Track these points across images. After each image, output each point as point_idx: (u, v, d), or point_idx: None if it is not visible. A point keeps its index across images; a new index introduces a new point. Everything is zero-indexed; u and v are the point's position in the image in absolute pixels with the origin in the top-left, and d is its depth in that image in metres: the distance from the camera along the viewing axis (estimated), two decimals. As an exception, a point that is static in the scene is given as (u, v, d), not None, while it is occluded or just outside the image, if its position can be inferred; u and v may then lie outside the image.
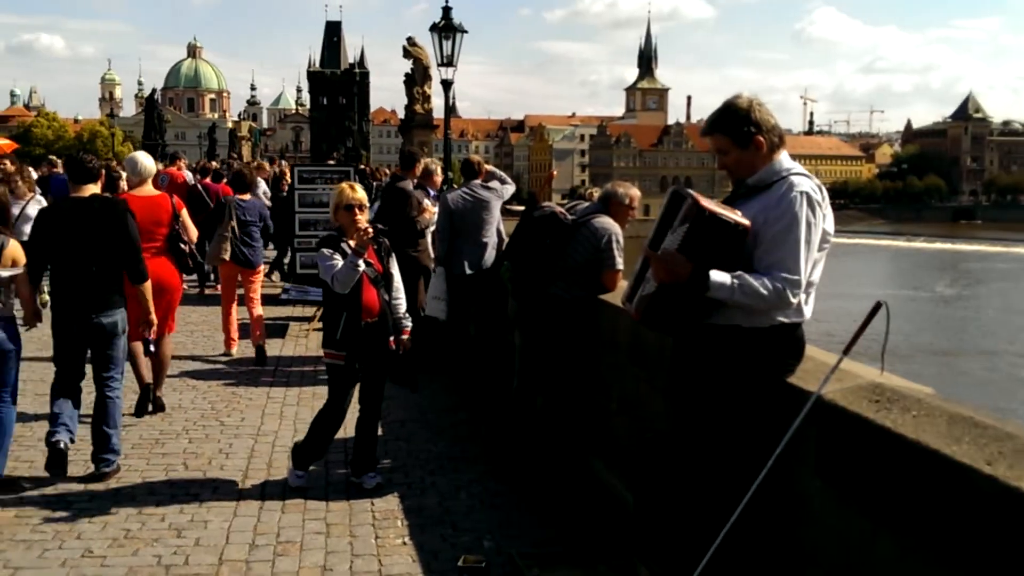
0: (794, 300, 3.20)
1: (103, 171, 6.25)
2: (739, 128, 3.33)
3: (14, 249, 5.45)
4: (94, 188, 5.86)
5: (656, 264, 3.23)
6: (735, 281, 3.14)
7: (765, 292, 3.14)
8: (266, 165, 17.82)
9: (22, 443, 6.05)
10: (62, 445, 5.33)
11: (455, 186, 8.81)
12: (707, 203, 3.15)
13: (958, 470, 2.43)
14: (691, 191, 3.26)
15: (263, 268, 9.94)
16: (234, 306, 9.33)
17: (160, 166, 15.57)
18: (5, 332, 5.35)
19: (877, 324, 3.09)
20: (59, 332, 5.63)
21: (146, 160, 7.25)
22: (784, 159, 3.37)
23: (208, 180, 14.47)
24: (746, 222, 3.17)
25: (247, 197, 9.64)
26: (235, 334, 9.30)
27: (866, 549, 2.85)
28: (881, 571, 2.79)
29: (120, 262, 5.70)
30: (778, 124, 3.41)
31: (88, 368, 5.76)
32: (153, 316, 6.08)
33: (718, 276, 3.13)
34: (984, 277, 73.98)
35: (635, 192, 5.86)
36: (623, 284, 5.33)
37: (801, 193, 3.20)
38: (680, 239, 3.15)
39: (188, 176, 16.35)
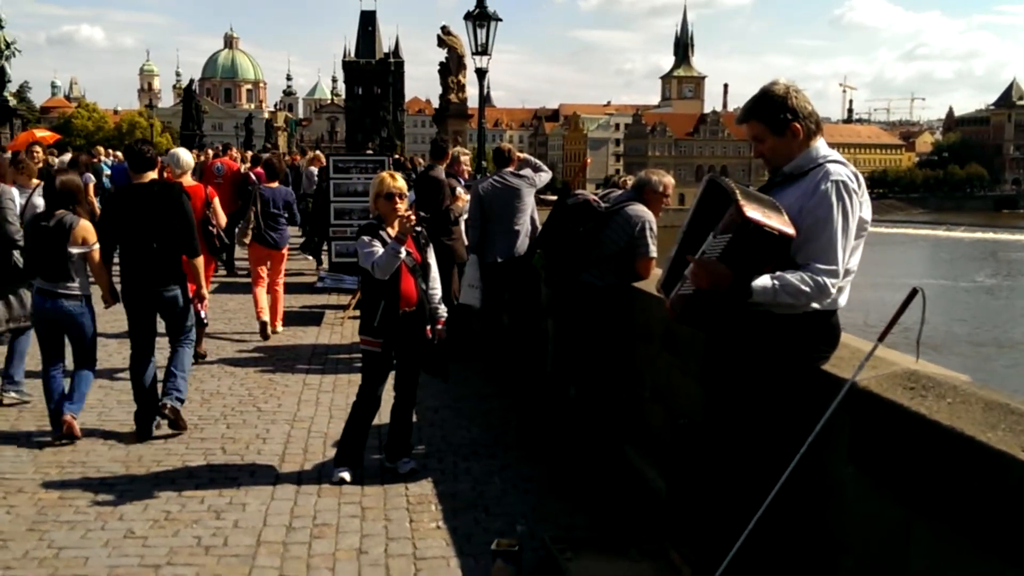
0: (834, 290, 3.18)
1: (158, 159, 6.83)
2: (775, 115, 3.31)
3: (84, 228, 6.01)
4: (152, 174, 6.44)
5: (696, 270, 3.17)
6: (776, 283, 3.10)
7: (807, 289, 3.12)
8: (322, 157, 18.09)
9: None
10: (169, 409, 6.09)
11: (488, 174, 8.81)
12: (751, 212, 3.02)
13: (994, 457, 2.42)
14: (734, 189, 3.12)
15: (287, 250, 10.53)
16: (262, 289, 9.70)
17: (196, 154, 15.90)
18: (81, 308, 6.04)
19: (913, 312, 3.06)
20: (130, 304, 6.19)
21: (186, 155, 8.25)
22: (821, 146, 3.34)
23: (259, 169, 14.81)
24: (791, 231, 3.07)
25: (274, 185, 10.30)
26: (266, 316, 9.53)
27: (900, 537, 2.85)
28: (916, 559, 2.79)
29: (176, 241, 6.21)
30: (815, 111, 3.38)
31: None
32: (205, 291, 6.78)
33: (759, 281, 3.09)
34: (1027, 267, 72.71)
35: (669, 180, 5.85)
36: (656, 272, 5.33)
37: (837, 182, 3.18)
38: (722, 248, 3.09)
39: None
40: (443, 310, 5.65)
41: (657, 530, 4.36)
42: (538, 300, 6.38)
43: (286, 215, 10.06)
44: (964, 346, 38.74)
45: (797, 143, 3.32)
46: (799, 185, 3.27)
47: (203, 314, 8.07)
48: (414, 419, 5.82)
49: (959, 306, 49.98)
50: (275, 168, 10.74)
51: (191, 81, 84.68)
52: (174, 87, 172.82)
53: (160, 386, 6.30)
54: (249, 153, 23.17)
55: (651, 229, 5.57)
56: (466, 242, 8.40)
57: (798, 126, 3.29)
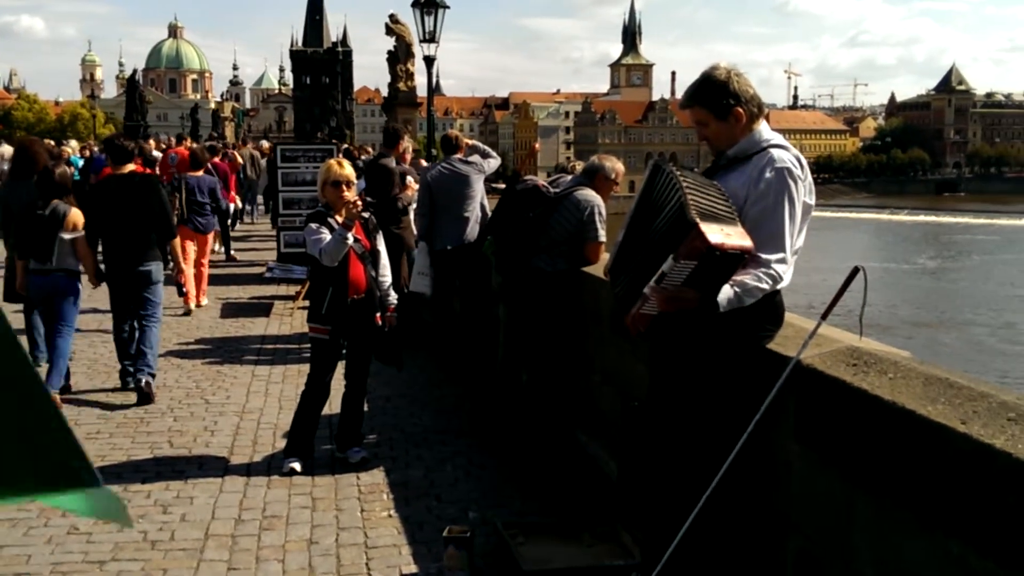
0: (785, 275, 3.21)
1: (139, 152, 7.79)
2: (718, 100, 3.30)
3: (76, 215, 6.70)
4: (132, 166, 7.27)
5: (663, 298, 3.11)
6: (737, 290, 3.10)
7: (765, 285, 3.14)
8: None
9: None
10: (144, 383, 6.65)
11: (436, 162, 8.75)
12: (714, 238, 2.94)
13: (934, 429, 2.46)
14: (688, 203, 3.00)
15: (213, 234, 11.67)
16: (190, 267, 10.40)
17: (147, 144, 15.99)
18: (69, 282, 6.69)
19: (857, 293, 3.10)
20: (113, 281, 6.94)
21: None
22: (764, 129, 3.35)
23: (216, 159, 15.70)
24: (750, 244, 3.04)
25: (199, 173, 11.15)
26: (192, 289, 10.38)
27: (846, 512, 2.89)
28: (860, 533, 2.83)
29: (153, 224, 6.93)
30: (757, 94, 3.37)
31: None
32: (183, 265, 7.82)
33: (722, 295, 3.09)
34: (967, 249, 74.52)
35: (620, 167, 5.89)
36: (605, 256, 5.35)
37: (782, 169, 3.18)
38: (687, 274, 3.05)
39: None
40: (393, 297, 5.62)
41: (609, 513, 4.38)
42: (489, 287, 6.37)
43: (211, 202, 10.89)
44: (906, 326, 39.58)
45: (740, 127, 3.32)
46: (743, 170, 3.28)
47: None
48: (365, 408, 5.77)
49: (901, 288, 50.99)
50: (199, 157, 11.62)
51: (134, 71, 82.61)
52: (117, 78, 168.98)
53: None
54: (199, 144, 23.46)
55: (600, 214, 5.58)
56: (415, 231, 8.35)
57: (741, 111, 3.29)
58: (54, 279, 6.63)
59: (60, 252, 6.58)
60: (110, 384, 7.17)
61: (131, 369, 6.85)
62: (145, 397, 6.62)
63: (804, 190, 3.25)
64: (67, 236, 6.60)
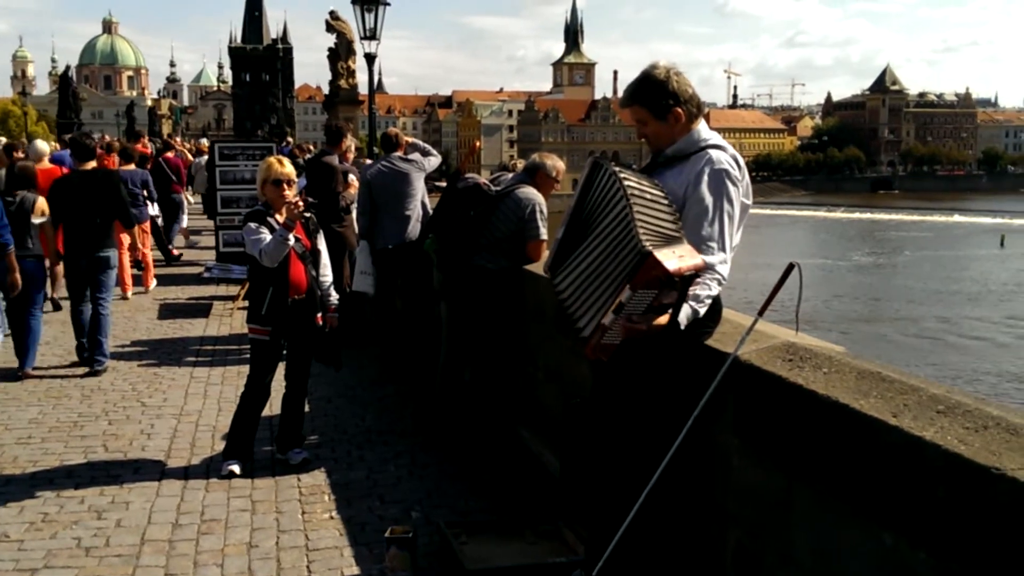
0: (727, 273, 3.23)
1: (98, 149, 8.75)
2: (657, 100, 3.30)
3: (42, 203, 7.43)
4: (93, 163, 8.14)
5: (627, 329, 3.05)
6: (692, 303, 3.11)
7: (714, 291, 3.17)
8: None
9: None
10: (104, 369, 7.46)
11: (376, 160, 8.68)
12: (671, 264, 2.89)
13: (866, 423, 2.51)
14: (640, 235, 2.93)
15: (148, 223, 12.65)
16: (126, 256, 10.97)
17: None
18: (35, 265, 7.33)
19: (793, 289, 3.14)
20: (71, 267, 7.64)
21: (42, 144, 10.98)
22: (702, 129, 3.37)
23: (170, 155, 16.29)
24: (700, 261, 3.03)
25: (130, 167, 12.09)
26: (128, 279, 11.05)
27: (784, 505, 2.93)
28: (798, 525, 2.87)
29: (114, 215, 7.72)
30: (696, 93, 3.38)
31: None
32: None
33: (682, 314, 3.09)
34: (900, 245, 76.37)
35: (561, 165, 5.91)
36: (547, 254, 5.35)
37: (720, 171, 3.21)
38: (649, 302, 3.01)
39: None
40: (334, 297, 5.56)
41: (551, 510, 4.39)
42: (431, 285, 6.34)
43: (144, 193, 11.99)
44: (841, 321, 40.44)
45: (679, 127, 3.33)
46: (682, 169, 3.29)
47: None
48: (307, 409, 5.71)
49: (837, 284, 52.10)
50: (130, 152, 12.71)
51: (67, 68, 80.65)
52: (50, 74, 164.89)
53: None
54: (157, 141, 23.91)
55: (541, 211, 5.59)
56: (357, 230, 8.27)
57: (680, 110, 3.30)
58: (25, 264, 7.09)
59: (33, 237, 7.30)
60: (43, 385, 7.00)
61: (87, 344, 7.54)
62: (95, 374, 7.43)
63: (741, 191, 3.28)
64: (37, 221, 7.31)
